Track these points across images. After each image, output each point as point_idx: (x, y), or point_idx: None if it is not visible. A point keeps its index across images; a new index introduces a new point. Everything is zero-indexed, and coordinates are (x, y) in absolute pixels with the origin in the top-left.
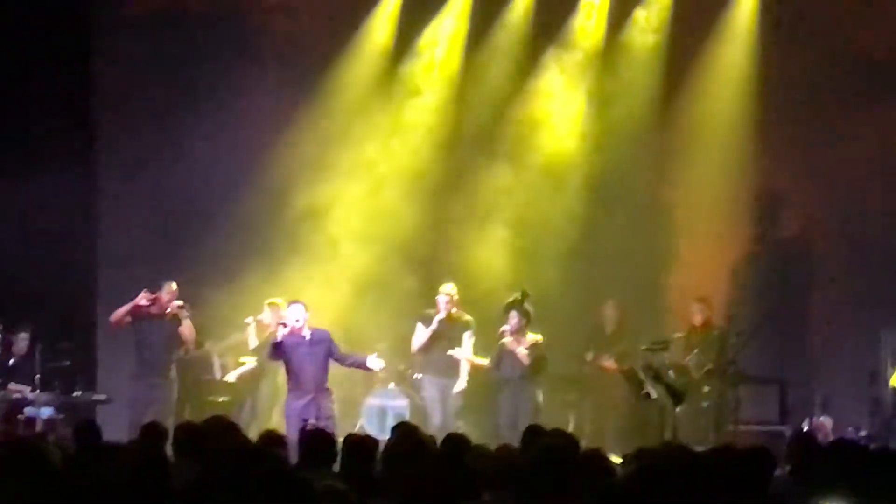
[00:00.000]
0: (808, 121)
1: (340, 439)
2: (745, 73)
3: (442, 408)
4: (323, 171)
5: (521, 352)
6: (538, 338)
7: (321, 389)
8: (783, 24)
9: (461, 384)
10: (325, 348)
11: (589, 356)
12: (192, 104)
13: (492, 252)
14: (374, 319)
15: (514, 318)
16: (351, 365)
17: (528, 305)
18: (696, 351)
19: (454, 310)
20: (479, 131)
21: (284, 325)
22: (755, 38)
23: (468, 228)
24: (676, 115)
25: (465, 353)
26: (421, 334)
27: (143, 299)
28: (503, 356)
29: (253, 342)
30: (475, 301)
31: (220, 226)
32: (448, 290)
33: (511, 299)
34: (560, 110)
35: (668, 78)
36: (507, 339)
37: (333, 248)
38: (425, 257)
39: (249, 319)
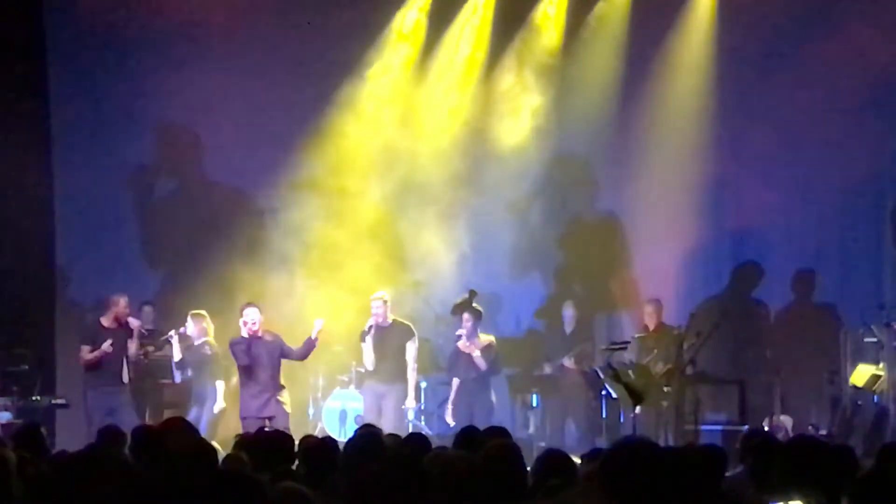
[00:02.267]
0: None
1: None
2: (704, 64)
3: (380, 417)
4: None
5: (477, 356)
6: (491, 339)
7: (278, 388)
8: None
9: (410, 401)
10: (278, 348)
11: (547, 365)
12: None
13: (447, 251)
14: (331, 322)
15: (467, 319)
16: (305, 353)
17: (476, 305)
18: (654, 351)
19: (390, 314)
20: (434, 130)
21: (247, 323)
22: (714, 31)
23: (426, 226)
24: (636, 111)
25: (411, 366)
26: (366, 351)
27: (108, 347)
28: (457, 358)
29: (177, 355)
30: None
31: (182, 223)
32: (380, 296)
33: (460, 300)
34: (518, 107)
35: (627, 74)
36: (462, 342)
37: (292, 247)
38: (388, 256)
39: (172, 332)
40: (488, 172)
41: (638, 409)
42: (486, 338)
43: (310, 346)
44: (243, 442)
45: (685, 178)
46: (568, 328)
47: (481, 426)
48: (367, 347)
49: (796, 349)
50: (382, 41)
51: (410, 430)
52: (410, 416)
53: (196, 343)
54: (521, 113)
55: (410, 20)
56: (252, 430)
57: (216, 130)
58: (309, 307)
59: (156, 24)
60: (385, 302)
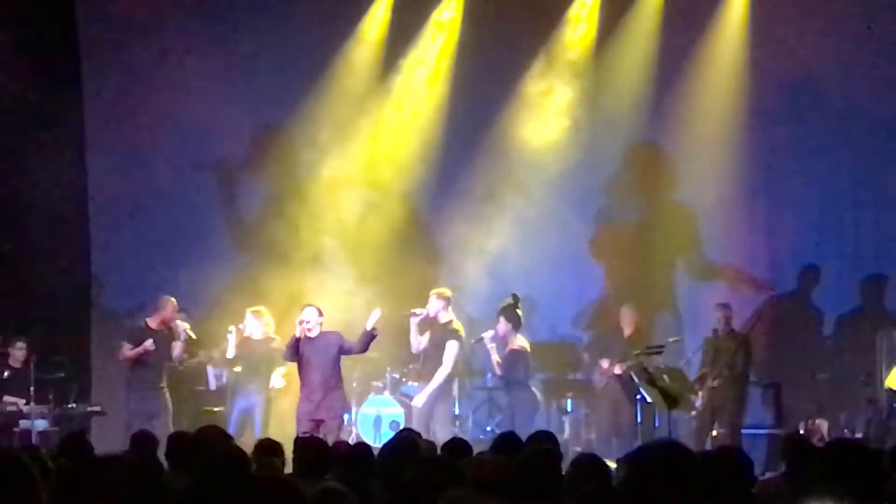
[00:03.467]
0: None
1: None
2: (737, 63)
3: (421, 417)
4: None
5: (495, 359)
6: (524, 343)
7: (331, 389)
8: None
9: (420, 398)
10: (335, 349)
11: (605, 363)
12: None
13: (482, 253)
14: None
15: (500, 323)
16: (365, 346)
17: (518, 311)
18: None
19: (444, 313)
20: (464, 133)
21: (302, 322)
22: (747, 29)
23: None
24: (667, 116)
25: (443, 366)
26: (413, 334)
27: (151, 345)
28: (490, 362)
29: (231, 352)
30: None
31: (217, 227)
32: (437, 291)
33: (503, 304)
34: (554, 107)
35: (660, 73)
36: (490, 345)
37: (324, 257)
38: (423, 260)
39: (232, 328)
40: (524, 173)
41: (673, 413)
42: (518, 342)
43: (368, 337)
44: (276, 448)
45: (721, 179)
46: (626, 332)
47: (523, 429)
48: (413, 332)
49: (832, 352)
50: (419, 35)
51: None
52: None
53: (257, 339)
54: (557, 113)
55: (446, 16)
56: (304, 431)
57: (254, 130)
58: (340, 313)
59: (190, 21)
60: (438, 298)
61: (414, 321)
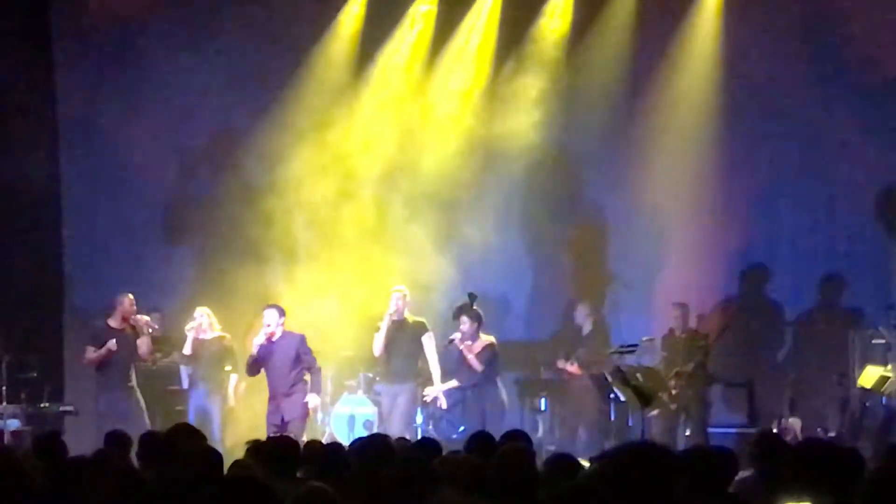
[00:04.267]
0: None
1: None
2: (712, 59)
3: (392, 417)
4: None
5: (471, 358)
6: (490, 340)
7: (288, 393)
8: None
9: (435, 390)
10: (294, 351)
11: (560, 362)
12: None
13: (452, 252)
14: (340, 328)
15: (465, 323)
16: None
17: (477, 307)
18: (664, 354)
19: (406, 311)
20: (439, 128)
21: (268, 337)
22: (722, 26)
23: (432, 228)
24: (644, 108)
25: (432, 360)
26: (378, 336)
27: (113, 345)
28: (459, 363)
29: (188, 349)
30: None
31: (191, 225)
32: (399, 289)
33: (461, 304)
34: (525, 104)
35: (635, 70)
36: (457, 344)
37: (298, 253)
38: (393, 255)
39: (191, 326)
40: (495, 170)
41: (646, 411)
42: (485, 339)
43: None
44: (252, 447)
45: (694, 175)
46: (585, 329)
47: (493, 428)
48: (380, 334)
49: (805, 351)
50: (396, 28)
51: (419, 434)
52: (419, 419)
53: (208, 337)
54: (528, 109)
55: (422, 11)
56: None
57: (227, 126)
58: (313, 311)
59: (163, 17)
60: (404, 296)
61: (387, 320)
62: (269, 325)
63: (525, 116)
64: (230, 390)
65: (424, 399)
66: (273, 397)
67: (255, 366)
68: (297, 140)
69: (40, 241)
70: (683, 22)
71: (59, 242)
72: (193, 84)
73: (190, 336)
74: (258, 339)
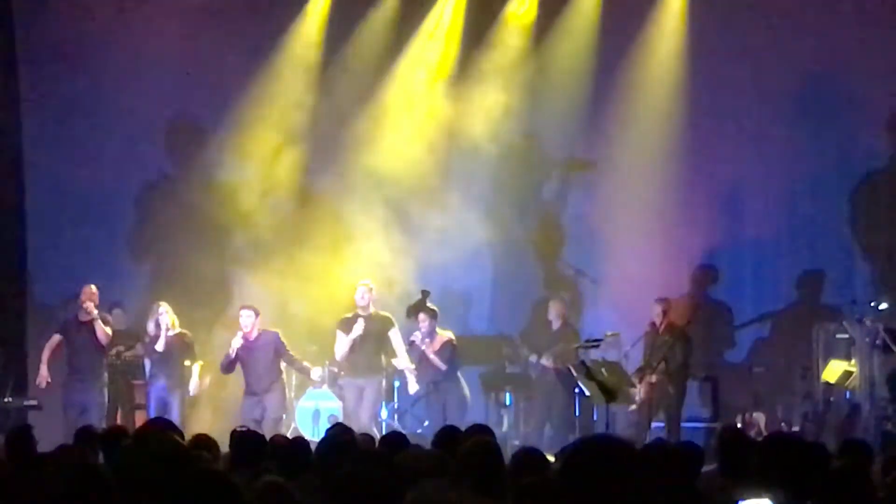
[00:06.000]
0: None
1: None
2: (675, 60)
3: (359, 410)
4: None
5: (433, 357)
6: (449, 335)
7: (269, 390)
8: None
9: (413, 385)
10: (272, 349)
11: (534, 357)
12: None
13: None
14: (306, 322)
15: (424, 321)
16: (297, 370)
17: (430, 303)
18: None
19: (371, 305)
20: (403, 125)
21: (244, 337)
22: (686, 27)
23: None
24: (608, 108)
25: (400, 353)
26: (342, 341)
27: (55, 343)
28: (421, 361)
29: (161, 345)
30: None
31: (153, 221)
32: (365, 283)
33: (414, 301)
34: (491, 103)
35: (599, 70)
36: (418, 343)
37: (259, 246)
38: (356, 255)
39: (163, 322)
40: (459, 167)
41: (610, 406)
42: (443, 335)
43: (304, 373)
44: (210, 441)
45: (659, 170)
46: (555, 325)
47: (456, 422)
48: (346, 340)
49: (769, 346)
50: (358, 31)
51: (384, 429)
52: (384, 414)
53: (171, 334)
54: (493, 108)
55: (385, 14)
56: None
57: (186, 126)
58: (277, 305)
59: (124, 25)
60: (370, 290)
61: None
62: (245, 327)
63: (495, 116)
64: (194, 379)
65: (412, 341)
66: (252, 393)
67: (231, 365)
68: (263, 133)
69: (2, 236)
70: (648, 18)
71: (21, 235)
72: (159, 75)
73: (163, 333)
74: (236, 342)
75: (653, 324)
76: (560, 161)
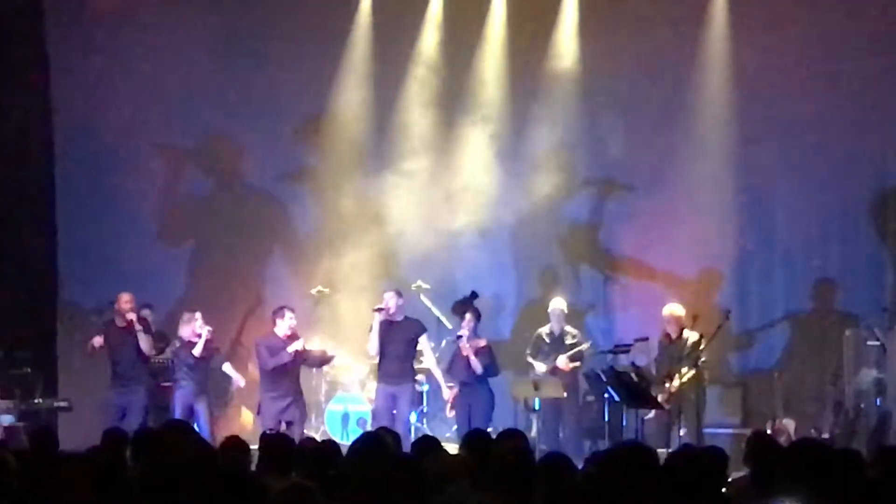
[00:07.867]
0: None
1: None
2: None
3: (391, 417)
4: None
5: (474, 360)
6: (485, 341)
7: (299, 393)
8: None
9: (446, 391)
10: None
11: (534, 363)
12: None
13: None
14: (333, 326)
15: (469, 320)
16: (311, 365)
17: (476, 305)
18: (659, 356)
19: (399, 315)
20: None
21: (292, 336)
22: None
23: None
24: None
25: (429, 360)
26: (372, 336)
27: (97, 341)
28: (456, 360)
29: (199, 350)
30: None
31: (184, 224)
32: (393, 290)
33: (461, 299)
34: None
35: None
36: (463, 343)
37: (295, 250)
38: (386, 259)
39: (202, 328)
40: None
41: (640, 412)
42: (479, 340)
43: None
44: (241, 443)
45: (690, 176)
46: (556, 327)
47: (484, 427)
48: (373, 334)
49: (799, 353)
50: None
51: (413, 433)
52: (413, 418)
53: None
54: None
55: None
56: (271, 428)
57: (220, 130)
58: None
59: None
60: (399, 295)
61: (378, 319)
62: (290, 328)
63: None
64: (235, 374)
65: (460, 335)
66: (282, 396)
67: (285, 365)
68: (290, 136)
69: (33, 238)
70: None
71: (52, 239)
72: (187, 82)
73: (202, 340)
74: (296, 345)
75: (668, 334)
76: (598, 180)
